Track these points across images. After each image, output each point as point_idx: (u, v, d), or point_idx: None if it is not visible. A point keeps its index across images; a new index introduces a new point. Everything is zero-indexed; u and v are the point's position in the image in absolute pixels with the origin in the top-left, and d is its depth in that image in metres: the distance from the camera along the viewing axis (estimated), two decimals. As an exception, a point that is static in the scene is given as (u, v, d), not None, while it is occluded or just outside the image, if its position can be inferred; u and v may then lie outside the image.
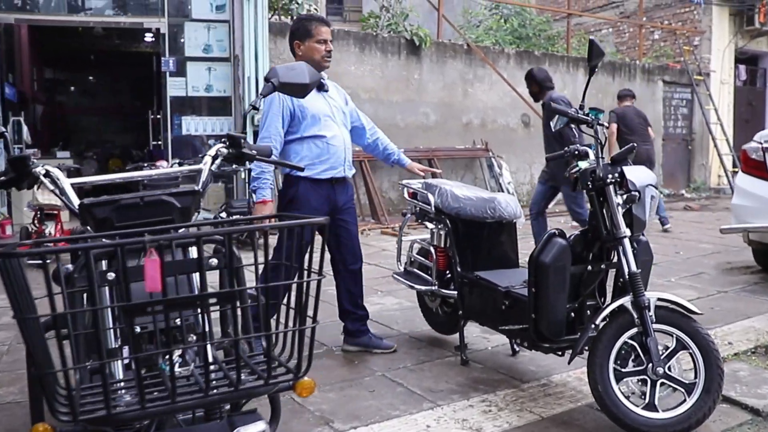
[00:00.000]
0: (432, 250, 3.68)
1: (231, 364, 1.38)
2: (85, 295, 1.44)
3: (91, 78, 17.14)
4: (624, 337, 2.64)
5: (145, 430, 1.47)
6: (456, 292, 3.50)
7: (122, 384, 1.40)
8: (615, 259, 2.85)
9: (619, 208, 2.76)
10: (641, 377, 2.61)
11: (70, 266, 1.60)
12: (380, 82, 9.60)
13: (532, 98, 6.10)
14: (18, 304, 1.23)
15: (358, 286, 3.70)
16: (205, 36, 8.42)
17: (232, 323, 1.36)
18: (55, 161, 8.29)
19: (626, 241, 2.73)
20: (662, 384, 2.59)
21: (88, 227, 1.51)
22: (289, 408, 2.87)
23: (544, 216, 5.93)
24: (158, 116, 10.46)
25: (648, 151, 8.03)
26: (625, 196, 2.77)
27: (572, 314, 2.95)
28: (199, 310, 1.34)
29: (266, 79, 1.89)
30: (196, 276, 1.54)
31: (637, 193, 2.75)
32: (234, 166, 1.96)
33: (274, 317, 1.55)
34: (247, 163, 1.96)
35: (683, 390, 2.58)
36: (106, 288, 1.46)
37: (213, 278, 1.52)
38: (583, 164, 2.90)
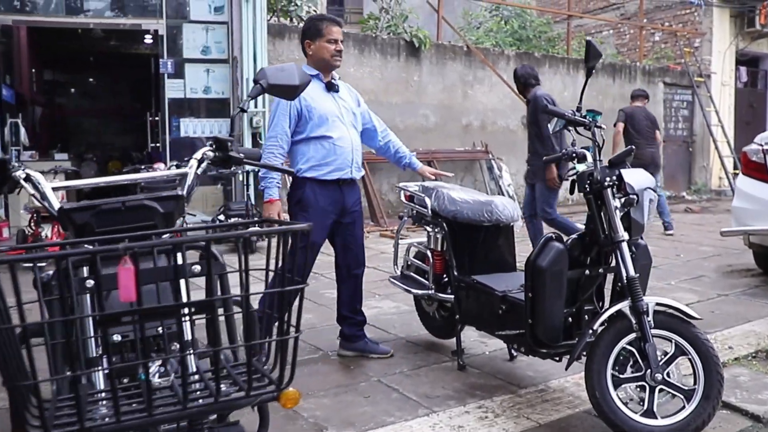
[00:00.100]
0: (429, 253, 3.64)
1: (215, 374, 1.34)
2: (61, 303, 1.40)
3: (91, 80, 17.11)
4: (622, 343, 2.60)
5: None
6: (453, 296, 3.46)
7: (103, 395, 1.36)
8: (613, 263, 2.81)
9: (617, 211, 2.72)
10: (640, 383, 2.57)
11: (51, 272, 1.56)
12: (379, 83, 9.57)
13: (521, 95, 6.15)
14: None
15: (359, 291, 3.67)
16: (204, 37, 8.39)
17: (212, 332, 1.31)
18: (53, 163, 8.25)
19: (624, 245, 2.69)
20: (661, 390, 2.55)
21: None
22: (282, 414, 2.83)
23: (538, 217, 5.89)
24: (156, 118, 10.44)
25: (653, 154, 7.96)
26: (623, 200, 2.73)
27: (570, 319, 2.91)
28: (180, 319, 1.30)
29: (255, 81, 1.86)
30: (182, 283, 1.50)
31: (635, 197, 2.71)
32: (232, 168, 1.92)
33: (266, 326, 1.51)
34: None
35: (682, 396, 2.54)
36: (87, 296, 1.42)
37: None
38: (580, 167, 2.86)
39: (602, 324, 2.64)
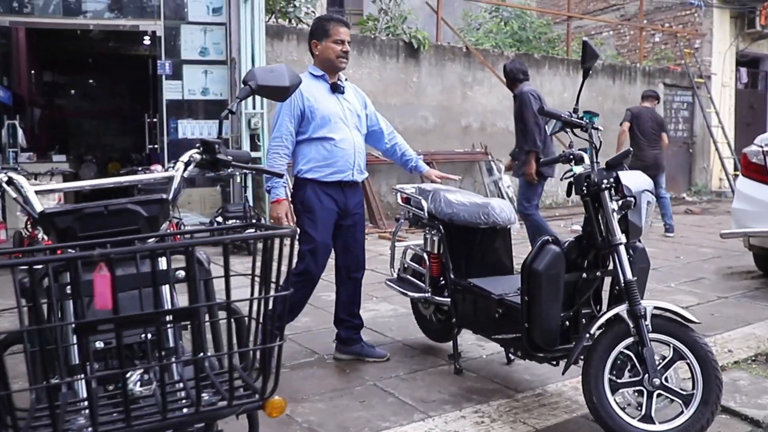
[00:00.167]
0: (425, 256, 3.61)
1: (200, 382, 1.31)
2: (46, 309, 1.37)
3: (90, 81, 17.13)
4: (620, 347, 2.57)
5: None
6: (449, 300, 3.43)
7: (85, 404, 1.33)
8: (611, 267, 2.78)
9: (615, 214, 2.68)
10: (637, 388, 2.54)
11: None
12: (378, 85, 9.54)
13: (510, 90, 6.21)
14: None
15: (357, 294, 3.64)
16: (202, 39, 8.37)
17: (194, 341, 1.28)
18: (51, 165, 8.23)
19: (622, 248, 2.66)
20: (659, 395, 2.51)
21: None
22: (276, 419, 2.80)
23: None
24: (155, 120, 10.42)
25: (656, 156, 7.93)
26: (620, 202, 2.70)
27: (567, 323, 2.87)
28: (160, 327, 1.27)
29: (244, 82, 1.82)
30: (165, 289, 1.47)
31: (632, 199, 2.68)
32: (221, 171, 1.88)
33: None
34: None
35: (680, 401, 2.51)
36: (70, 302, 1.39)
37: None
38: (577, 169, 2.83)
39: (599, 328, 2.61)
